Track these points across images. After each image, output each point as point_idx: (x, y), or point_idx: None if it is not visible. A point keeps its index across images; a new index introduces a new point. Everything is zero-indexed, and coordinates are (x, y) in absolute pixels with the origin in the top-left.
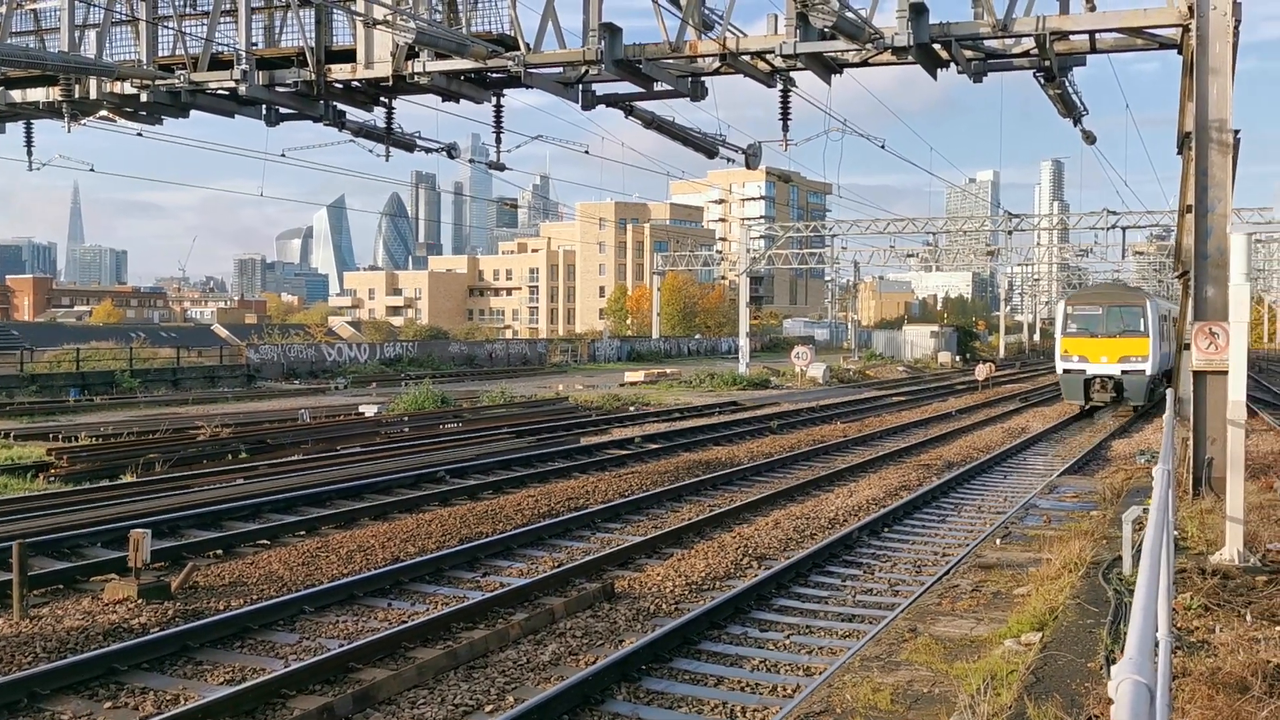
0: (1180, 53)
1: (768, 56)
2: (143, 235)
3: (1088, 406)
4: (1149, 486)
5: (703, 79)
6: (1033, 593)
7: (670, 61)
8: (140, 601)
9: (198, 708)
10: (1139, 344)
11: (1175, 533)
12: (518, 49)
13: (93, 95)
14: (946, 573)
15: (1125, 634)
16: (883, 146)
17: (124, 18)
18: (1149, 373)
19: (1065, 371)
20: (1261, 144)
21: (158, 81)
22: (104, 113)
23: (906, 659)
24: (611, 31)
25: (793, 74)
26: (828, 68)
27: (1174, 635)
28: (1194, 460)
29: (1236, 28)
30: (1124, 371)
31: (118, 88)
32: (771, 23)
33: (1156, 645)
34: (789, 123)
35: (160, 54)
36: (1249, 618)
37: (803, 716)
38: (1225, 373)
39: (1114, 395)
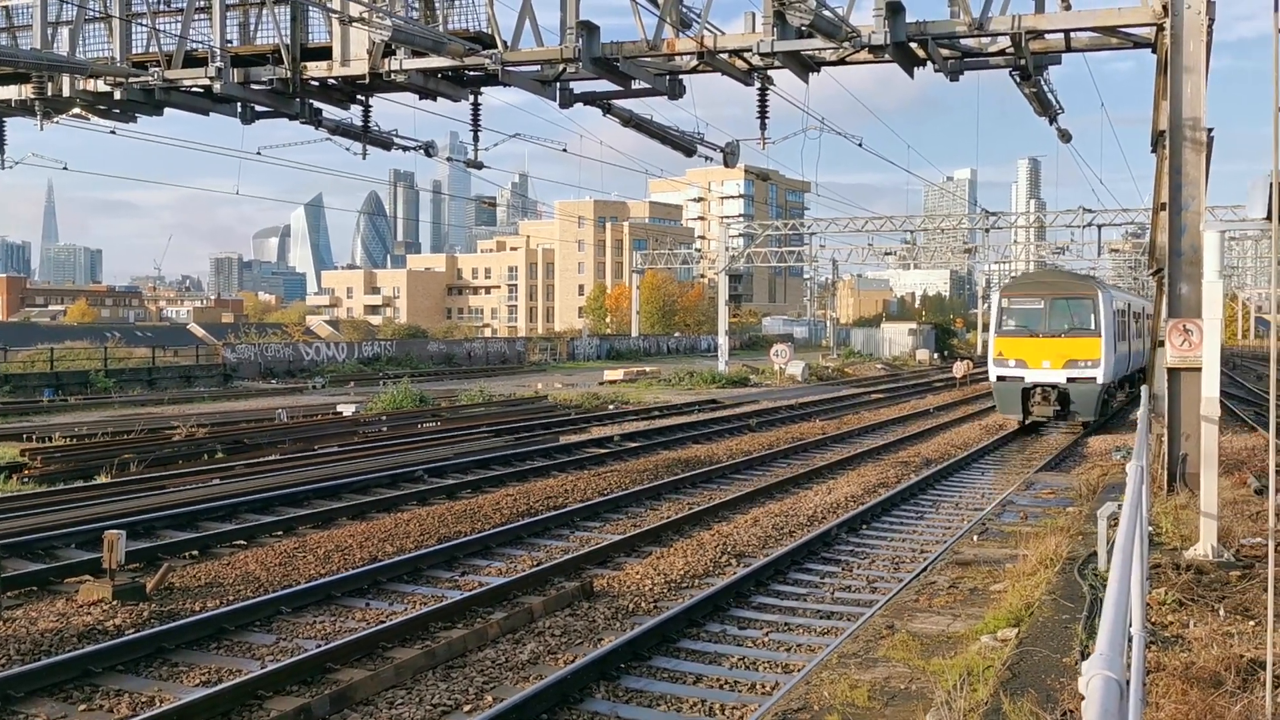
0: (1155, 52)
1: (745, 55)
2: (118, 234)
3: (1027, 421)
4: (1124, 483)
5: (680, 77)
6: (1009, 589)
7: (648, 60)
8: (115, 603)
9: (174, 709)
10: (1088, 345)
11: (1150, 528)
12: (495, 47)
13: (65, 93)
14: (924, 570)
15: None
16: (860, 145)
17: (97, 14)
18: (1101, 381)
19: (999, 379)
20: (1235, 142)
21: (131, 79)
22: (77, 110)
23: (884, 656)
24: (589, 29)
25: (770, 72)
26: (805, 66)
27: (1148, 630)
28: (1168, 456)
29: (1210, 27)
30: (1070, 379)
31: (91, 85)
32: (749, 21)
33: (1131, 640)
34: (767, 121)
35: (134, 51)
36: (1223, 612)
37: (781, 714)
38: (1199, 369)
39: (1058, 408)
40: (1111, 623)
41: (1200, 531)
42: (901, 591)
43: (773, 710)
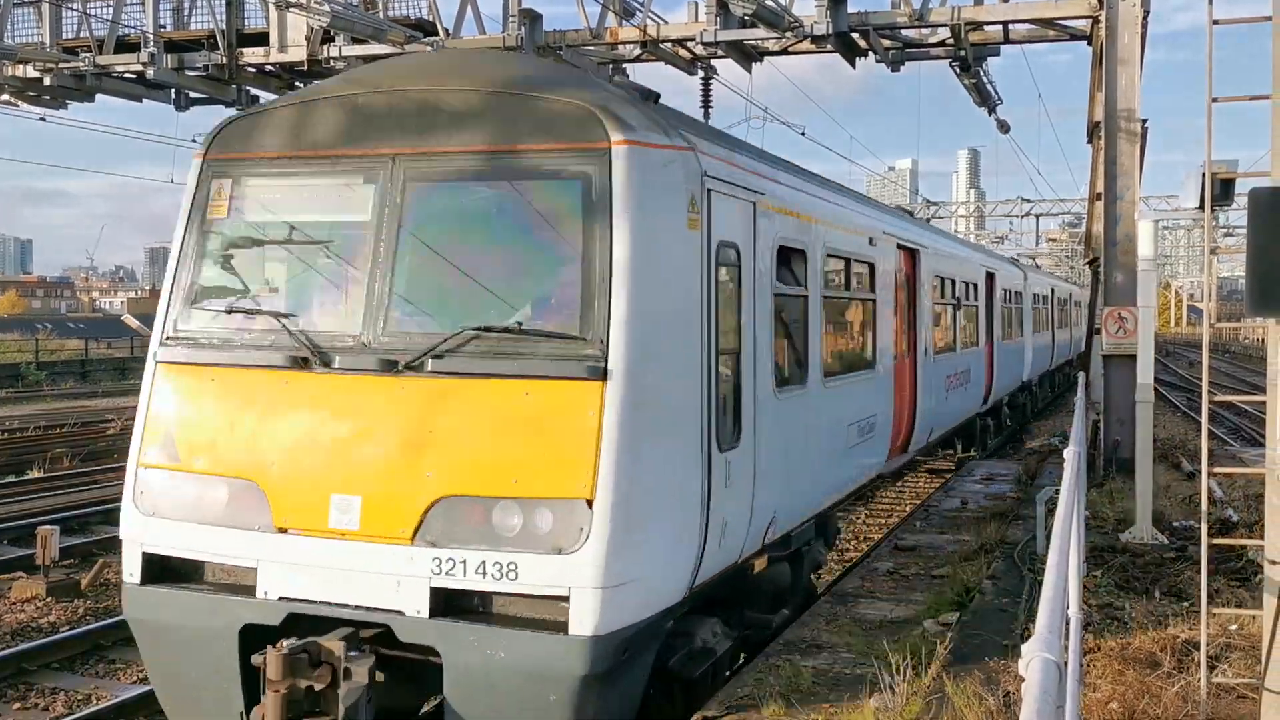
0: (1090, 44)
1: (689, 44)
2: (49, 223)
3: None
4: (1063, 468)
5: (624, 66)
6: (951, 573)
7: (591, 48)
8: (49, 600)
9: (110, 708)
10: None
11: (1086, 513)
12: (436, 34)
13: None
14: (866, 556)
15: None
16: (804, 134)
17: None
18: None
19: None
20: (1169, 133)
21: (61, 64)
22: (6, 97)
23: (829, 641)
24: (532, 18)
25: (714, 62)
26: (748, 56)
27: (1085, 612)
28: (1104, 442)
29: (1145, 19)
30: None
31: (20, 71)
32: (692, 10)
33: (1069, 623)
34: (711, 110)
35: (64, 36)
36: (1157, 594)
37: (726, 701)
38: (1134, 356)
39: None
40: (1050, 606)
41: (1136, 515)
42: (845, 577)
43: (719, 699)
